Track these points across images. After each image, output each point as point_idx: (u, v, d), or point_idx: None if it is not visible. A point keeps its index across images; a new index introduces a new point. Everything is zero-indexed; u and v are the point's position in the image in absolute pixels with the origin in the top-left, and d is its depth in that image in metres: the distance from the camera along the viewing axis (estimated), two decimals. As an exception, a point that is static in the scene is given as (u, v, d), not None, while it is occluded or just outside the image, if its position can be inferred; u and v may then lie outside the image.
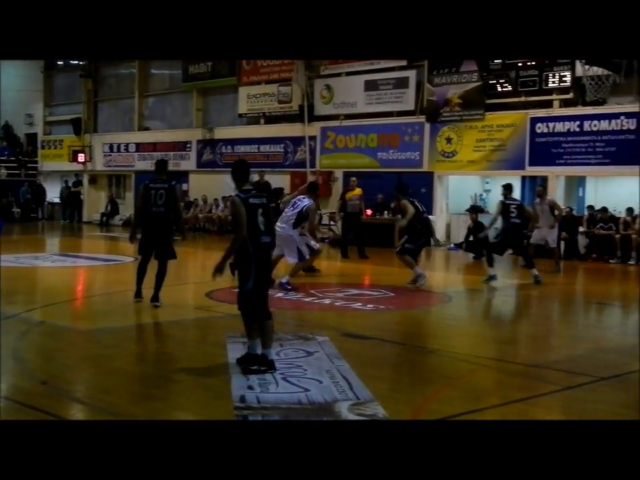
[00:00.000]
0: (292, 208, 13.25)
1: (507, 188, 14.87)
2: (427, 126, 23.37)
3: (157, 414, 6.10)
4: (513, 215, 14.33)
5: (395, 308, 11.60)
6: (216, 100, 29.97)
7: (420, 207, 13.78)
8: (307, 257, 13.27)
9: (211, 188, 28.23)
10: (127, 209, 31.02)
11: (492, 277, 14.01)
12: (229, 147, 28.57)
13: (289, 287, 12.66)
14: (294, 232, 12.97)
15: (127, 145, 32.32)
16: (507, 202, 14.59)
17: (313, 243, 13.71)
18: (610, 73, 18.01)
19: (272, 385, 6.95)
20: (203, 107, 30.38)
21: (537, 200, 16.83)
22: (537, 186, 17.60)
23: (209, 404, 6.51)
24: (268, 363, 7.33)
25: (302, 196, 13.58)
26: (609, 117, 19.85)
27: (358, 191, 19.98)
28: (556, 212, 16.63)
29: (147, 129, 32.22)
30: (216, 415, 6.12)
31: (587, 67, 18.31)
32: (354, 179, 20.70)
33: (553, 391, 7.09)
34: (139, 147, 31.79)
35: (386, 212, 22.92)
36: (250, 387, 6.85)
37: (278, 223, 12.53)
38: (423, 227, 13.71)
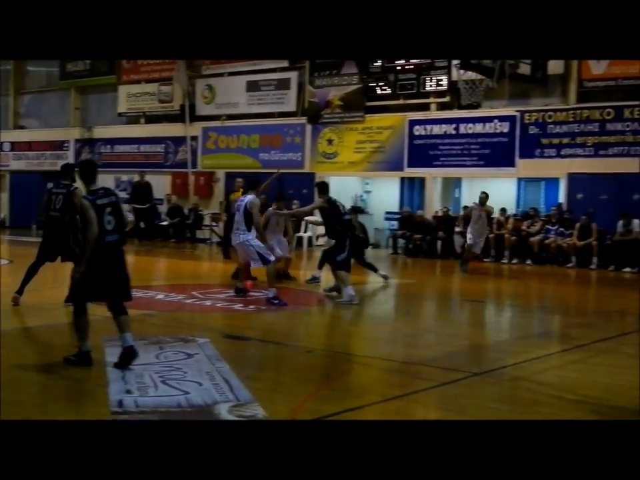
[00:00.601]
0: (237, 211, 12.47)
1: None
2: (309, 127, 23.56)
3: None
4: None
5: (276, 309, 11.60)
6: (95, 98, 29.34)
7: (342, 208, 12.88)
8: (271, 258, 12.07)
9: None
10: (2, 209, 30.00)
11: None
12: (109, 146, 28.07)
13: (277, 302, 11.64)
14: (249, 236, 12.04)
15: (1, 144, 31.24)
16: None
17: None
18: (483, 77, 18.54)
19: (151, 388, 6.83)
20: (82, 106, 29.69)
21: (476, 205, 17.00)
22: (481, 192, 17.46)
23: (85, 410, 6.34)
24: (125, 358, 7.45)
25: (242, 196, 12.93)
26: (483, 120, 20.48)
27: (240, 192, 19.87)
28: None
29: (22, 127, 31.23)
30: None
31: (461, 71, 18.79)
32: (239, 180, 20.57)
33: (429, 387, 7.23)
34: (14, 146, 30.79)
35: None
36: (128, 391, 6.72)
37: (234, 231, 12.30)
38: (344, 228, 12.59)
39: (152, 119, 27.34)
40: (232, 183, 24.45)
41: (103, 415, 6.04)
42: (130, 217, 24.09)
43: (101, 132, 28.40)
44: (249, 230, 12.00)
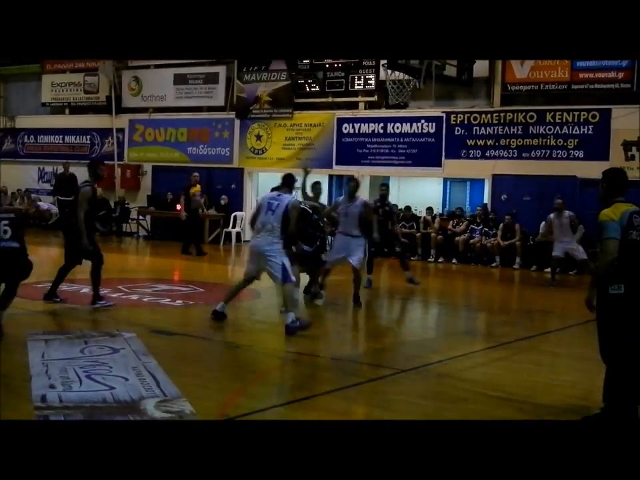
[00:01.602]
0: (269, 211, 9.70)
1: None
2: (237, 122, 23.39)
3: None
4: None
5: (204, 303, 11.50)
6: (18, 87, 28.59)
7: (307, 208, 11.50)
8: (293, 278, 9.84)
9: (12, 179, 26.79)
10: None
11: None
12: (32, 136, 27.41)
13: (296, 325, 9.40)
14: (279, 246, 9.61)
15: None
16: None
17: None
18: (410, 78, 18.71)
19: (75, 383, 6.71)
20: (4, 94, 28.91)
21: (553, 214, 15.98)
22: (556, 199, 16.24)
23: (7, 405, 6.16)
24: None
25: (276, 193, 10.16)
26: (411, 120, 20.65)
27: (199, 187, 19.76)
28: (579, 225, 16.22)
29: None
30: (16, 416, 5.81)
31: (389, 71, 18.92)
32: (196, 174, 20.34)
33: (357, 383, 7.27)
34: None
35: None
36: (52, 386, 6.59)
37: (258, 233, 9.79)
38: (315, 230, 11.67)
39: (77, 109, 26.79)
40: (159, 176, 24.29)
41: (26, 411, 5.90)
42: (53, 208, 23.63)
43: (24, 122, 27.71)
44: (281, 238, 9.67)
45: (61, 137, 26.78)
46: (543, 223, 17.94)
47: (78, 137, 26.43)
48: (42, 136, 27.16)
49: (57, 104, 27.14)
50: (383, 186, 15.20)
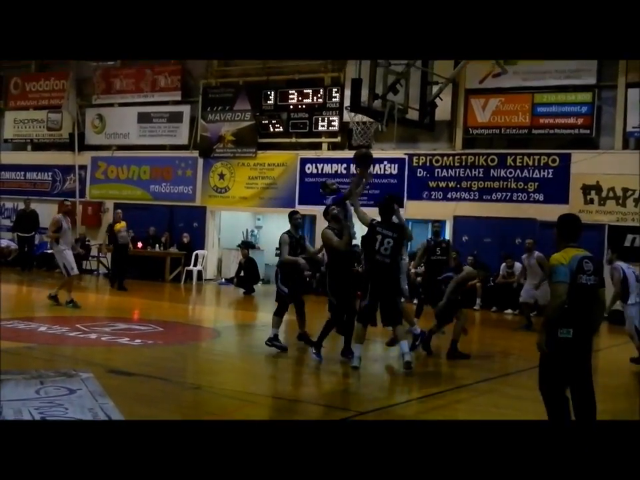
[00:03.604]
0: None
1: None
2: (200, 161, 23.40)
3: None
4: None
5: (164, 343, 11.37)
6: (-21, 123, 28.39)
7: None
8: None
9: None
10: None
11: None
12: (-8, 172, 27.14)
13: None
14: None
15: None
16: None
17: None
18: (373, 120, 18.87)
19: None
20: (-34, 130, 28.67)
21: (524, 255, 15.99)
22: (527, 240, 16.24)
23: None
24: None
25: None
26: (374, 161, 20.76)
27: (124, 223, 19.58)
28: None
29: None
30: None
31: (352, 113, 19.07)
32: (119, 211, 20.28)
33: (317, 426, 7.18)
34: None
35: (157, 245, 22.51)
36: (5, 428, 6.43)
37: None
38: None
39: (40, 146, 26.64)
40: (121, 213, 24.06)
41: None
42: (12, 245, 23.35)
43: (-15, 157, 27.51)
44: None
45: (22, 173, 26.54)
46: (503, 264, 18.08)
47: (40, 173, 26.24)
48: (3, 172, 26.87)
49: (20, 140, 26.96)
50: (436, 223, 14.73)
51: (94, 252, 23.86)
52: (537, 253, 15.67)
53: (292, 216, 11.74)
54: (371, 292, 9.87)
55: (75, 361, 9.66)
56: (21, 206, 24.74)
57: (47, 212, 24.86)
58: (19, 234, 23.79)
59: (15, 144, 27.18)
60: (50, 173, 25.99)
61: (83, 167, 25.29)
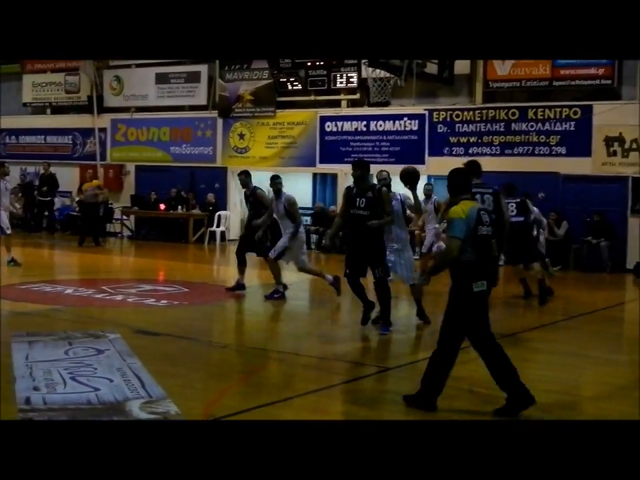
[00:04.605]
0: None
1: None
2: (220, 121, 23.31)
3: None
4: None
5: (189, 303, 11.47)
6: (-2, 87, 28.44)
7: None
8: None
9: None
10: None
11: None
12: (14, 137, 27.21)
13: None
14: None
15: None
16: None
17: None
18: (391, 75, 18.70)
19: (60, 385, 6.68)
20: (-16, 95, 28.73)
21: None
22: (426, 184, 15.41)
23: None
24: None
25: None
26: (393, 117, 20.66)
27: (95, 182, 21.52)
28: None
29: None
30: (-1, 419, 5.78)
31: (370, 69, 18.91)
32: (90, 170, 22.32)
33: (343, 382, 7.27)
34: None
35: (180, 206, 22.55)
36: (36, 388, 6.55)
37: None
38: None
39: (58, 109, 26.63)
40: (142, 176, 24.23)
41: (10, 413, 5.86)
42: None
43: (5, 122, 27.40)
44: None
45: (42, 137, 26.60)
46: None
47: (60, 137, 26.24)
48: (23, 136, 26.96)
49: (38, 104, 26.96)
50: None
51: (117, 214, 23.99)
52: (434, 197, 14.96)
53: (273, 180, 12.49)
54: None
55: (102, 322, 9.79)
56: (41, 170, 24.88)
57: (68, 175, 25.05)
58: (39, 198, 24.06)
59: (34, 107, 27.19)
60: (70, 137, 26.01)
61: (102, 130, 25.26)
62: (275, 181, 12.35)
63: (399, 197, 10.20)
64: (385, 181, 10.19)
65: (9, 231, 15.07)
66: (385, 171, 10.75)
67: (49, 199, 23.98)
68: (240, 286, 12.59)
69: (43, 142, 26.56)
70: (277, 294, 11.96)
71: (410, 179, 9.95)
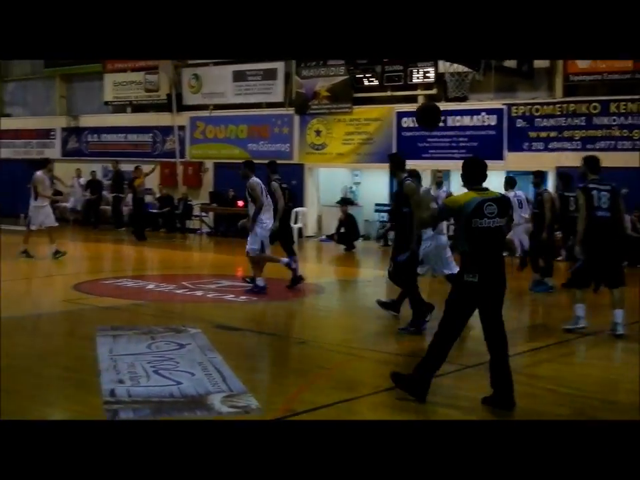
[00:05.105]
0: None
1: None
2: (296, 118, 23.42)
3: (23, 411, 5.84)
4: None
5: (268, 299, 11.57)
6: (80, 87, 29.06)
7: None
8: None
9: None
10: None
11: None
12: (95, 135, 27.82)
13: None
14: None
15: (-14, 132, 30.84)
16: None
17: None
18: (469, 70, 18.50)
19: (143, 378, 6.82)
20: (67, 94, 29.40)
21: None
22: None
23: (78, 399, 6.30)
24: None
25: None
26: (471, 112, 20.45)
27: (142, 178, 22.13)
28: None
29: (8, 115, 30.93)
30: (86, 411, 5.94)
31: (448, 63, 18.75)
32: (140, 166, 22.53)
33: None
34: (0, 134, 30.34)
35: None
36: (120, 381, 6.70)
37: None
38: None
39: (139, 107, 27.12)
40: (220, 173, 24.55)
41: (95, 405, 6.02)
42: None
43: (87, 120, 28.15)
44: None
45: (123, 135, 27.14)
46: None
47: (140, 135, 26.72)
48: (105, 134, 27.54)
49: (119, 102, 27.51)
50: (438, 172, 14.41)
51: (196, 211, 24.31)
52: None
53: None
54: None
55: (183, 317, 9.96)
56: (124, 167, 25.31)
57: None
58: (113, 195, 24.77)
59: (114, 106, 27.74)
60: (150, 134, 26.45)
61: (181, 128, 25.63)
62: (243, 169, 12.20)
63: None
64: (412, 174, 9.97)
65: (55, 224, 16.22)
66: (440, 171, 10.72)
67: (120, 194, 24.54)
68: (298, 279, 12.55)
69: (124, 140, 27.09)
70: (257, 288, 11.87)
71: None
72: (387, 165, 11.76)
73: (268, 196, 11.99)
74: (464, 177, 6.32)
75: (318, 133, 23.01)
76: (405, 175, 9.78)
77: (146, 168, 22.74)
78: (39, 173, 16.14)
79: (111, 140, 27.36)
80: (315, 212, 23.48)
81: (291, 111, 23.50)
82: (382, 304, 10.30)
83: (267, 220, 11.82)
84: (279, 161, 23.13)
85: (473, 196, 6.11)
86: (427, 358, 6.40)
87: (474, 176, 6.27)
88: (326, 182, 23.95)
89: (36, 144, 29.05)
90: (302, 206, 22.69)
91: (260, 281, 11.81)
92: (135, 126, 26.80)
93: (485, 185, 6.29)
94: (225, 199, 23.49)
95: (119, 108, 27.66)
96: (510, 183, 14.21)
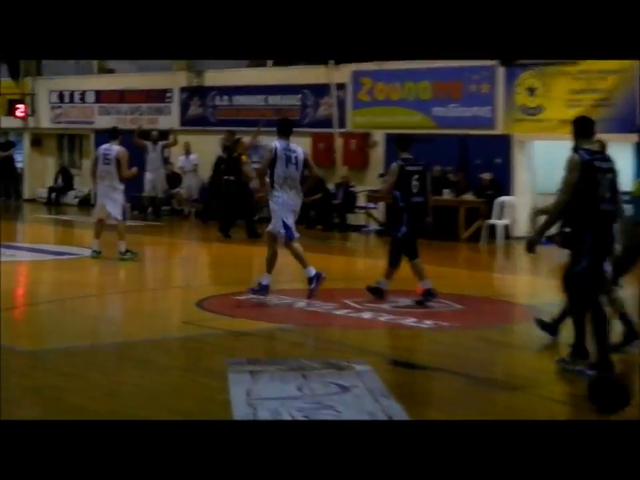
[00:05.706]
0: (290, 164, 13.23)
1: None
2: (501, 71, 23.12)
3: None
4: None
5: (463, 325, 11.52)
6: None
7: (413, 183, 13.03)
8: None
9: (202, 154, 27.43)
10: (85, 181, 30.71)
11: None
12: (225, 97, 28.20)
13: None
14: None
15: (83, 94, 32.07)
16: None
17: None
18: None
19: (293, 432, 6.87)
20: (189, 42, 30.19)
21: None
22: None
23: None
24: None
25: (285, 143, 13.65)
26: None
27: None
28: None
29: (110, 71, 32.05)
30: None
31: None
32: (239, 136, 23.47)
33: None
34: (100, 96, 31.51)
35: (446, 190, 22.63)
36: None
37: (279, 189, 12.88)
38: (410, 212, 13.05)
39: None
40: (395, 148, 24.56)
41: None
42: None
43: (214, 78, 28.53)
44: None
45: (262, 97, 27.29)
46: None
47: (284, 96, 26.84)
48: (238, 96, 27.83)
49: (258, 53, 27.96)
50: None
51: (361, 201, 24.41)
52: None
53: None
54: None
55: (346, 349, 10.01)
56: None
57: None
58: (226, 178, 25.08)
59: (251, 58, 28.19)
60: (298, 96, 26.53)
61: (341, 86, 25.69)
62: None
63: None
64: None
65: (122, 218, 16.95)
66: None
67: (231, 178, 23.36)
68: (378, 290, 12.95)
69: (264, 103, 27.15)
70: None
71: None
72: (630, 136, 11.49)
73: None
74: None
75: (531, 91, 22.66)
76: None
77: (246, 140, 23.21)
78: (120, 147, 17.31)
79: (246, 103, 27.58)
80: (527, 203, 23.10)
81: (492, 61, 23.16)
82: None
83: None
84: (476, 131, 23.26)
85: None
86: None
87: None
88: (543, 160, 23.49)
89: (147, 109, 29.91)
90: (508, 194, 22.42)
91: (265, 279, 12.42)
92: (277, 84, 26.96)
93: None
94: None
95: (257, 60, 27.87)
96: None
